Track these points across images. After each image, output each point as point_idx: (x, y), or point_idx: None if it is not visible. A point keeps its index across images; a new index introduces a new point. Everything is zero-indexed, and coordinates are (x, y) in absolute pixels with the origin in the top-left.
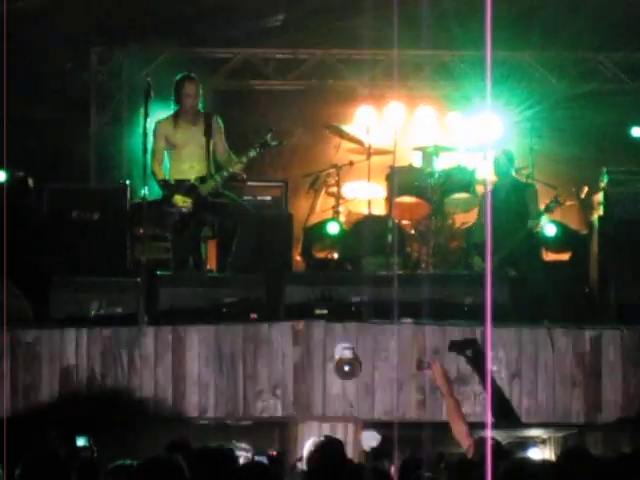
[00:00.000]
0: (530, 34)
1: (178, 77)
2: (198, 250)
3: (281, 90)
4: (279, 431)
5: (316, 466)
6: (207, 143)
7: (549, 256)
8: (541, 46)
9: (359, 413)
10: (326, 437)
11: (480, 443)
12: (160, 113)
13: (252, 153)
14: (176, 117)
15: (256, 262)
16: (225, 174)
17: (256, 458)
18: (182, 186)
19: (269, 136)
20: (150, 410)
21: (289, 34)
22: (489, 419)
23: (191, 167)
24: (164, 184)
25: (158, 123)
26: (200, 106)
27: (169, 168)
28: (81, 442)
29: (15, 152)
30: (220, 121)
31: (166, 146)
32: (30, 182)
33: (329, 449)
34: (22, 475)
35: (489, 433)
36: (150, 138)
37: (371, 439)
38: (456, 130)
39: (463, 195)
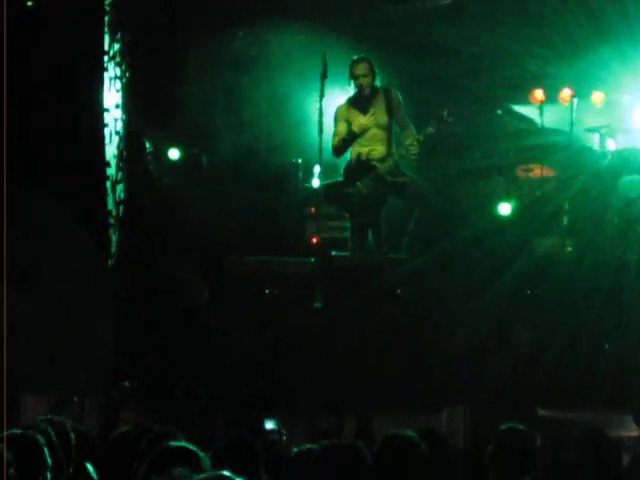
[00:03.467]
0: None
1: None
2: (377, 230)
3: (452, 68)
4: None
5: None
6: (389, 122)
7: None
8: None
9: None
10: None
11: None
12: (334, 90)
13: (429, 130)
14: (355, 100)
15: (430, 242)
16: (403, 153)
17: None
18: (363, 167)
19: (445, 112)
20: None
21: (460, 13)
22: None
23: (373, 149)
24: (345, 165)
25: (338, 109)
26: (377, 83)
27: (351, 149)
28: (269, 425)
29: (187, 129)
30: (400, 96)
31: (347, 128)
32: (203, 159)
33: None
34: (215, 460)
35: None
36: (328, 120)
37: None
38: (629, 111)
39: (637, 177)
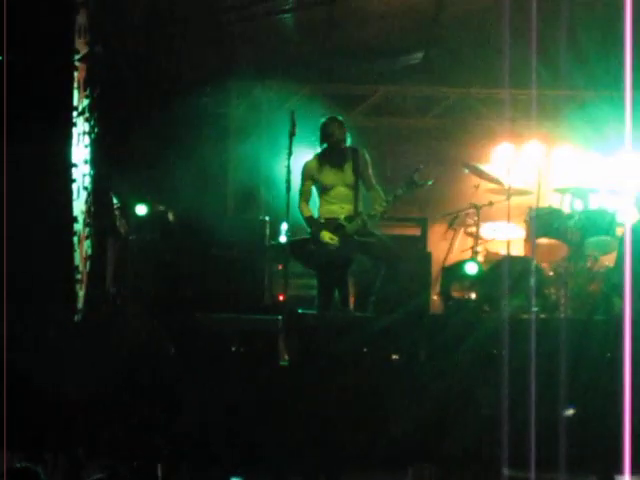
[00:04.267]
0: None
1: (323, 119)
2: (344, 289)
3: (419, 128)
4: None
5: None
6: (356, 181)
7: None
8: None
9: None
10: None
11: None
12: (300, 149)
13: (399, 192)
14: (323, 158)
15: (396, 301)
16: (372, 213)
17: None
18: (330, 225)
19: (416, 175)
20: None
21: (428, 72)
22: None
23: (341, 207)
24: (312, 222)
25: (306, 165)
26: (347, 142)
27: (318, 207)
28: None
29: (155, 186)
30: (367, 156)
31: (315, 186)
32: (170, 216)
33: None
34: None
35: None
36: (295, 177)
37: None
38: (596, 171)
39: (603, 238)
